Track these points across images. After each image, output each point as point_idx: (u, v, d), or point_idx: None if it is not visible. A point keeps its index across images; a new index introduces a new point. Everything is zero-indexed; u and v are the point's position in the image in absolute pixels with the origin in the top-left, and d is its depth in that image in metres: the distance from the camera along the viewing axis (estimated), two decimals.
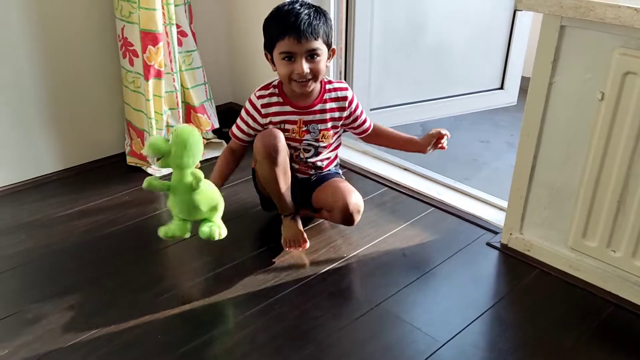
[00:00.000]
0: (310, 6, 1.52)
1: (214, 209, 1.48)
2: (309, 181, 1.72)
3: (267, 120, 1.62)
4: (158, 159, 1.41)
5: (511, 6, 2.43)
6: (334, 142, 1.71)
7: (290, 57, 1.50)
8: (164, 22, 1.89)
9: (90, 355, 1.29)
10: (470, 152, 2.37)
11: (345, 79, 2.28)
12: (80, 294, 1.48)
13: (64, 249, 1.66)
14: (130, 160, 2.09)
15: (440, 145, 1.71)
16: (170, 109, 2.02)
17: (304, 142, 1.65)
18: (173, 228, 1.47)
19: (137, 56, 1.92)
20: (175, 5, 1.94)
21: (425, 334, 1.35)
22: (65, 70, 1.96)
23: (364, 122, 1.71)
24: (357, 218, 1.61)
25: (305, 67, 1.50)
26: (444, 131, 1.69)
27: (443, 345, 1.31)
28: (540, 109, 1.45)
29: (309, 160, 1.69)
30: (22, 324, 1.37)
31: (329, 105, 1.63)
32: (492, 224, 1.75)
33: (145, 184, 1.42)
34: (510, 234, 1.63)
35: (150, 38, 1.85)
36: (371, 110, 2.37)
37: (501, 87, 2.59)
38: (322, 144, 1.67)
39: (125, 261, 1.60)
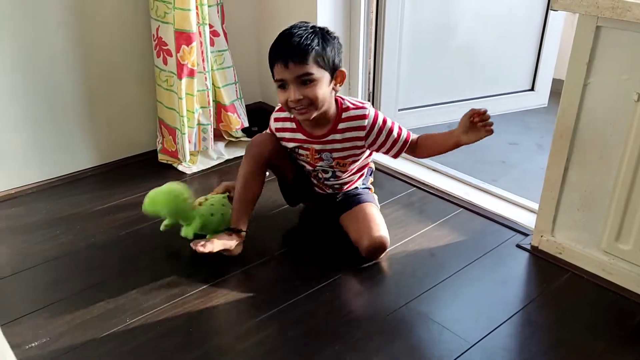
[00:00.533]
0: (307, 28, 1.42)
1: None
2: (332, 199, 1.67)
3: (283, 143, 1.62)
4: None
5: (543, 6, 2.40)
6: (354, 167, 1.63)
7: (283, 84, 1.44)
8: (198, 22, 1.92)
9: (124, 346, 1.32)
10: (498, 154, 2.35)
11: (374, 80, 2.28)
12: (113, 287, 1.51)
13: (98, 243, 1.70)
14: (162, 158, 2.13)
15: (486, 126, 1.42)
16: (201, 107, 2.06)
17: (318, 167, 1.61)
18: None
19: (170, 55, 1.95)
20: (209, 6, 1.97)
21: (454, 334, 1.34)
22: (100, 69, 2.00)
23: (393, 145, 1.55)
24: (381, 255, 1.57)
25: (297, 93, 1.40)
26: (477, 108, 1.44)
27: (472, 346, 1.31)
28: (574, 110, 1.44)
29: (327, 182, 1.66)
30: (57, 315, 1.41)
31: (342, 136, 1.53)
32: (521, 225, 1.74)
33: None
34: (541, 236, 1.61)
35: (184, 38, 1.88)
36: (399, 110, 2.38)
37: (532, 89, 2.57)
38: (337, 170, 1.61)
39: (157, 256, 1.64)
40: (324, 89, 1.43)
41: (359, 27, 2.15)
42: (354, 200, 1.64)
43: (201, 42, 1.96)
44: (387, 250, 1.58)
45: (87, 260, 1.62)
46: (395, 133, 1.55)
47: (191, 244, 1.49)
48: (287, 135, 1.58)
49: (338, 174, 1.62)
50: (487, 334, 1.34)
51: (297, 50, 1.38)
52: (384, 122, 1.54)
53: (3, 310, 1.44)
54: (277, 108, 1.63)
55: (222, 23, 2.09)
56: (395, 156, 1.60)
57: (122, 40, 2.02)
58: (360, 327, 1.37)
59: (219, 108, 2.16)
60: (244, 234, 1.57)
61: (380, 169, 2.11)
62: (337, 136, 1.52)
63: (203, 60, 1.99)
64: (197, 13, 1.90)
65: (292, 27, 1.44)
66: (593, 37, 1.35)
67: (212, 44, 2.05)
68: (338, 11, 2.12)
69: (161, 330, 1.36)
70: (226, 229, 1.57)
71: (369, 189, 1.73)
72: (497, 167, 2.23)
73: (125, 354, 1.30)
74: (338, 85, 1.47)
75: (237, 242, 1.55)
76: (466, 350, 1.30)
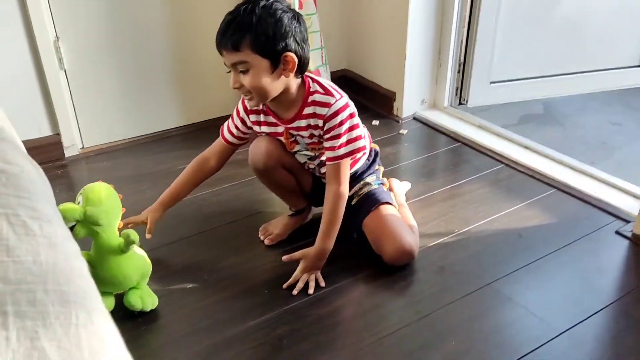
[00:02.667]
0: (247, 7, 1.22)
1: (144, 275, 1.31)
2: (348, 203, 1.41)
3: (258, 128, 1.45)
4: (72, 227, 1.20)
5: None
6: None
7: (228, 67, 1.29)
8: None
9: (199, 302, 1.34)
10: (599, 134, 2.18)
11: (466, 50, 2.17)
12: (192, 244, 1.55)
13: (187, 199, 1.73)
14: None
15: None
16: None
17: (298, 152, 1.46)
18: None
19: None
20: None
21: (540, 319, 1.26)
22: (189, 32, 2.03)
23: (333, 148, 1.34)
24: (407, 262, 1.43)
25: (233, 81, 1.27)
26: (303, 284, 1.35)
27: (560, 334, 1.22)
28: None
29: (321, 171, 1.48)
30: None
31: (306, 122, 1.35)
32: (622, 211, 1.60)
33: None
34: None
35: None
36: (491, 83, 2.25)
37: None
38: (320, 155, 1.43)
39: (237, 216, 1.65)
40: (263, 78, 1.24)
41: None
42: (369, 201, 1.46)
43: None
44: (415, 255, 1.42)
45: (170, 216, 1.66)
46: (338, 142, 1.33)
47: (260, 236, 1.55)
48: (255, 117, 1.43)
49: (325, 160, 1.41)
50: (577, 323, 1.25)
51: (228, 36, 1.22)
52: (343, 122, 1.32)
53: None
54: None
55: None
56: (327, 159, 1.37)
57: (212, 4, 2.02)
58: (438, 304, 1.32)
59: None
60: (304, 209, 1.58)
61: (467, 143, 2.01)
62: (302, 122, 1.36)
63: None
64: None
65: (235, 8, 1.25)
66: None
67: (300, 6, 2.01)
68: None
69: (235, 290, 1.38)
70: (289, 215, 1.57)
71: (382, 183, 1.53)
72: (597, 149, 2.06)
73: (201, 309, 1.32)
74: (289, 72, 1.26)
75: (303, 217, 1.59)
76: (554, 338, 1.21)
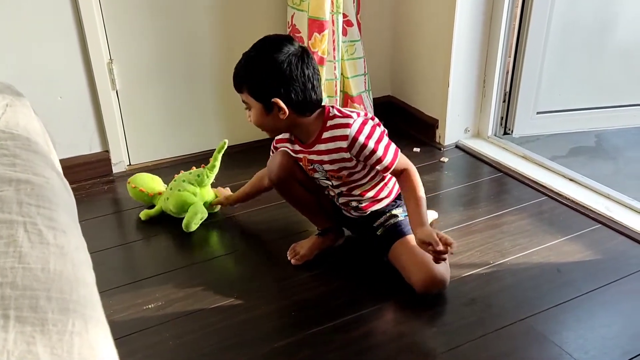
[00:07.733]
0: (250, 53, 1.36)
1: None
2: (371, 231, 1.49)
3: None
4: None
5: None
6: (365, 182, 1.45)
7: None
8: (332, 11, 1.92)
9: (228, 320, 1.35)
10: None
11: (512, 79, 2.13)
12: (230, 261, 1.58)
13: (226, 217, 1.77)
14: None
15: (437, 259, 1.31)
16: (328, 96, 2.06)
17: (317, 180, 1.49)
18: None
19: (302, 42, 1.98)
20: None
21: None
22: (235, 54, 2.07)
23: (380, 161, 1.36)
24: (438, 290, 1.39)
25: (247, 115, 1.41)
26: (448, 246, 1.28)
27: None
28: None
29: (340, 201, 1.52)
30: (175, 283, 1.48)
31: (325, 146, 1.38)
32: None
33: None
34: None
35: (317, 25, 1.89)
36: (538, 113, 2.20)
37: None
38: (340, 185, 1.45)
39: (270, 237, 1.67)
40: (261, 118, 1.36)
41: (500, 22, 2.01)
42: (396, 232, 1.45)
43: (333, 31, 1.96)
44: (448, 284, 1.39)
45: (210, 235, 1.70)
46: (380, 153, 1.35)
47: (288, 256, 1.56)
48: (282, 145, 1.50)
49: (345, 190, 1.47)
50: None
51: (235, 78, 1.38)
52: (369, 136, 1.34)
53: (132, 270, 1.56)
54: None
55: (357, 13, 2.08)
56: (385, 171, 1.40)
57: (260, 26, 2.08)
58: (467, 337, 1.27)
59: (346, 98, 2.15)
60: (330, 228, 1.57)
61: (510, 174, 1.96)
62: (322, 146, 1.39)
63: (334, 49, 1.99)
64: (332, 1, 1.91)
65: (249, 49, 1.38)
66: None
67: (344, 33, 2.04)
68: (479, 3, 2.00)
69: (264, 310, 1.38)
70: (316, 234, 1.57)
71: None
72: None
73: (228, 327, 1.33)
74: (283, 114, 1.32)
75: (331, 239, 1.58)
76: None
